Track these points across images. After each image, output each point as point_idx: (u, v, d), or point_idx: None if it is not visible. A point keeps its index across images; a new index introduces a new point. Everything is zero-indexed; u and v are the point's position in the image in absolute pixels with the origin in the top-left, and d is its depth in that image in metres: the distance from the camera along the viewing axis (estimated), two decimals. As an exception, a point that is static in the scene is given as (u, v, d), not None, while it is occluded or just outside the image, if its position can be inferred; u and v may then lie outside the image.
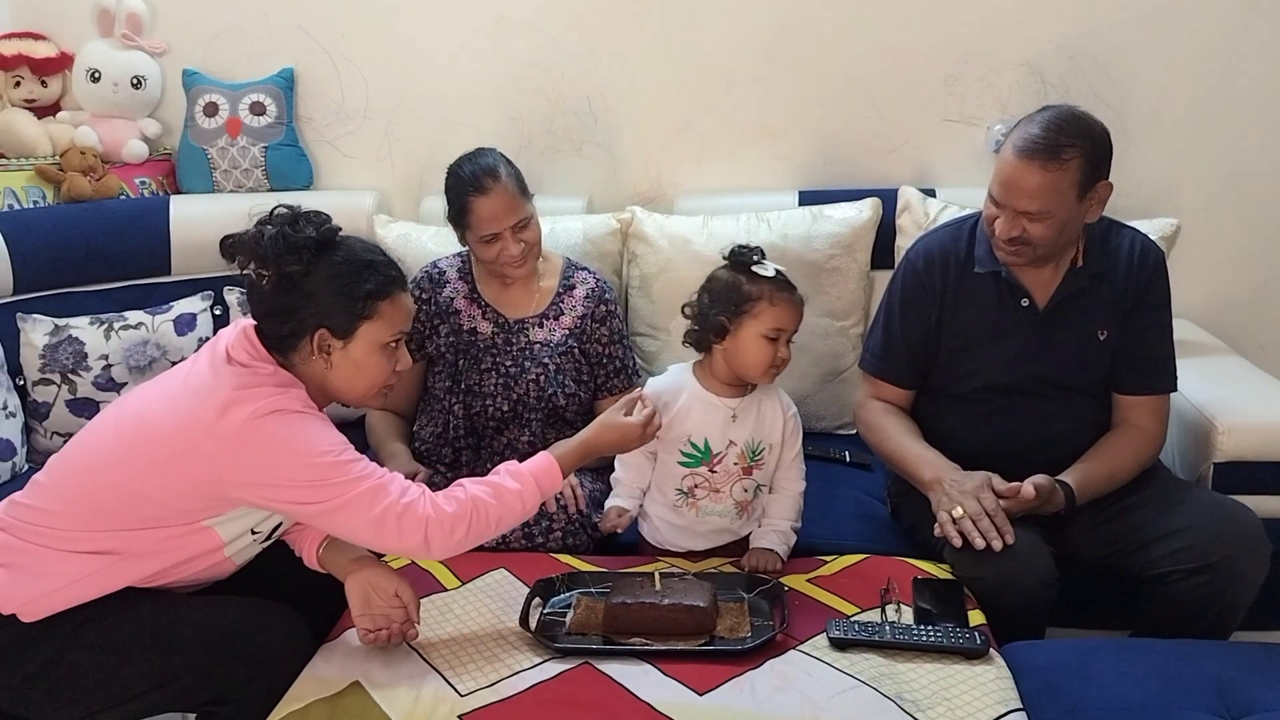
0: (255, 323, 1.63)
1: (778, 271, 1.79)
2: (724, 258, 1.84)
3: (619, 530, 1.88)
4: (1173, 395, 1.97)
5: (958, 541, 1.73)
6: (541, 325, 2.20)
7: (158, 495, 1.54)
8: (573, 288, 2.24)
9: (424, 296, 2.22)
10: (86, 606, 1.56)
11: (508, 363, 2.16)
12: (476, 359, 2.16)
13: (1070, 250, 1.91)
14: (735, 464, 1.84)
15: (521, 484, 1.62)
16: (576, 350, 2.21)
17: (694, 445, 1.83)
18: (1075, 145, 1.77)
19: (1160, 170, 2.68)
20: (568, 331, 2.20)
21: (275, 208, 1.61)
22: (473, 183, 2.08)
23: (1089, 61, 2.66)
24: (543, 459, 1.67)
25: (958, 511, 1.76)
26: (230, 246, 1.60)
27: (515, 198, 2.09)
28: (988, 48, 2.68)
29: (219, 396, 1.52)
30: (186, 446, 1.52)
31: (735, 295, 1.78)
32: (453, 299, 2.20)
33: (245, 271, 1.60)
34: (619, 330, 2.26)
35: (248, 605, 1.63)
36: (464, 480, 1.63)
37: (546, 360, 2.16)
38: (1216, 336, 2.58)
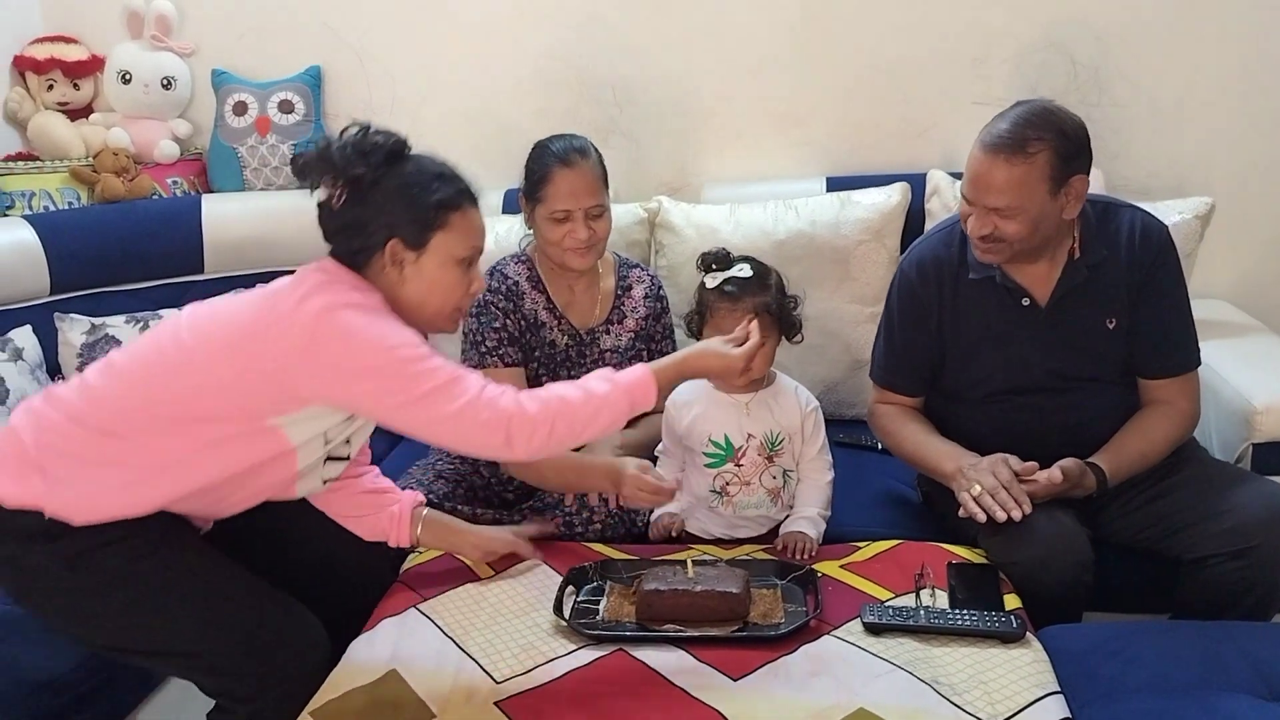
0: (329, 247, 1.62)
1: (727, 280, 1.83)
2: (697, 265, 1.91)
3: (673, 534, 1.91)
4: (1209, 376, 1.94)
5: (981, 517, 1.72)
6: (609, 331, 2.18)
7: (223, 385, 1.50)
8: (630, 287, 2.22)
9: (509, 307, 2.10)
10: (145, 544, 1.55)
11: (582, 375, 2.14)
12: (554, 373, 2.13)
13: (1065, 241, 1.87)
14: (758, 455, 1.87)
15: (611, 391, 1.56)
16: (645, 353, 2.20)
17: (715, 444, 1.87)
18: (1042, 139, 1.73)
19: (1193, 149, 2.65)
20: (633, 335, 2.19)
21: (345, 127, 1.61)
22: (561, 156, 2.04)
23: (1117, 41, 2.63)
24: (639, 370, 1.60)
25: (975, 489, 1.75)
26: (302, 163, 1.59)
27: (597, 183, 2.05)
28: (1015, 29, 2.66)
29: (297, 290, 1.51)
30: (259, 332, 1.49)
31: (697, 303, 1.90)
32: (535, 311, 2.13)
33: (315, 192, 1.60)
34: (670, 325, 2.26)
35: (289, 617, 1.61)
36: (554, 384, 1.58)
37: (617, 368, 2.14)
38: (1252, 316, 2.54)
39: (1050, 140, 1.73)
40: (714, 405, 1.89)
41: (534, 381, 2.12)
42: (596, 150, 2.10)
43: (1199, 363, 1.92)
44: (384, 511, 1.80)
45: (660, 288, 2.26)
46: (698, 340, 1.84)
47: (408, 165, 1.60)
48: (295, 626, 1.61)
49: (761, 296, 1.82)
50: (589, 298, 2.18)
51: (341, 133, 1.59)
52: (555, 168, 2.03)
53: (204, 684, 1.61)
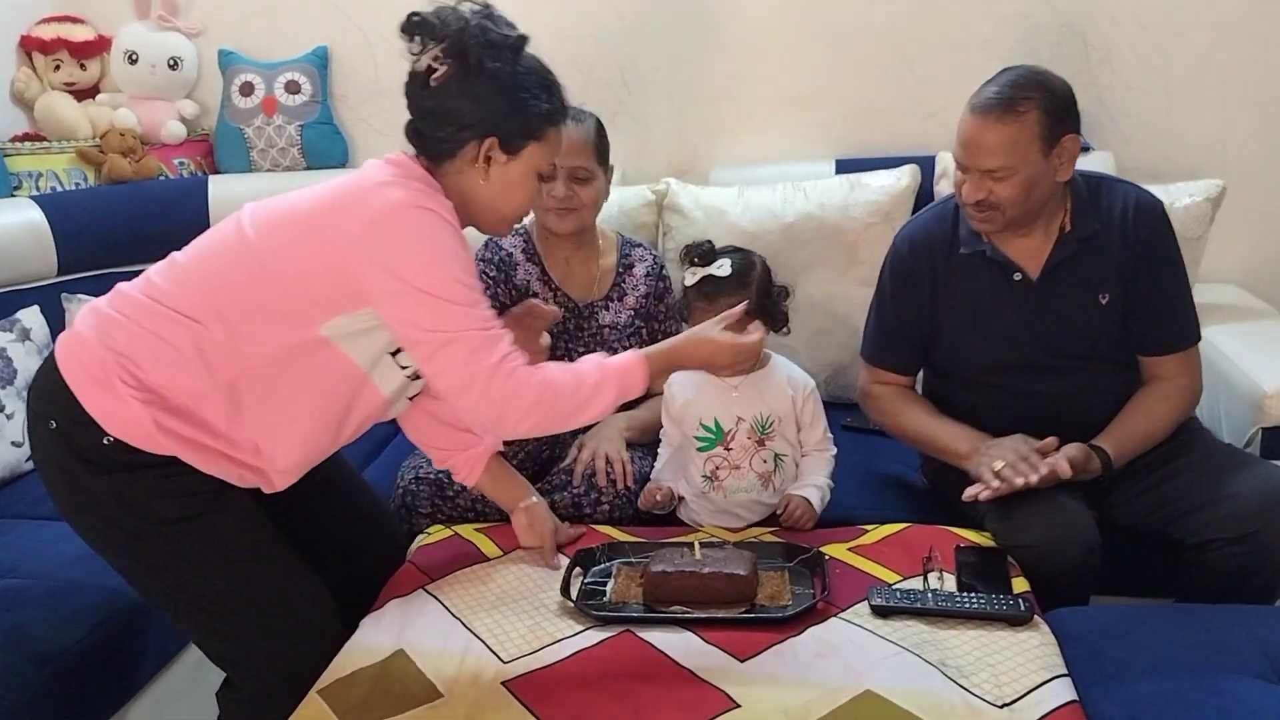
0: (411, 123, 1.57)
1: (705, 279, 1.80)
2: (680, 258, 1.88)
3: (659, 504, 1.90)
4: (1220, 361, 1.93)
5: (1000, 486, 1.72)
6: (608, 308, 2.18)
7: (285, 269, 1.47)
8: (632, 266, 2.22)
9: (500, 278, 2.13)
10: (201, 501, 1.52)
11: (580, 349, 2.14)
12: (551, 345, 2.14)
13: (1057, 214, 1.87)
14: (748, 438, 1.87)
15: (602, 380, 1.55)
16: (644, 331, 2.20)
17: (705, 427, 1.87)
18: (1031, 98, 1.75)
19: (1206, 131, 2.64)
20: (633, 312, 2.19)
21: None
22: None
23: (1131, 21, 2.61)
24: (631, 356, 1.59)
25: (997, 465, 1.75)
26: (418, 24, 1.51)
27: (585, 146, 2.03)
28: (1027, 9, 2.64)
29: (379, 175, 1.49)
30: (331, 213, 1.46)
31: (683, 295, 1.88)
32: (528, 282, 2.15)
33: (415, 61, 1.53)
34: (674, 305, 2.24)
35: (305, 597, 1.61)
36: (547, 364, 1.56)
37: (615, 344, 2.15)
38: (1263, 300, 2.53)
39: (1039, 99, 1.75)
40: (704, 388, 1.89)
41: None
42: (599, 125, 2.09)
43: (1199, 338, 1.91)
44: (466, 452, 1.78)
45: (663, 268, 2.26)
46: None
47: (520, 65, 1.54)
48: (310, 608, 1.61)
49: (738, 296, 1.78)
50: (585, 272, 2.19)
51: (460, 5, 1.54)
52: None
53: (213, 650, 1.61)
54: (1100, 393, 1.90)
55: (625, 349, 2.11)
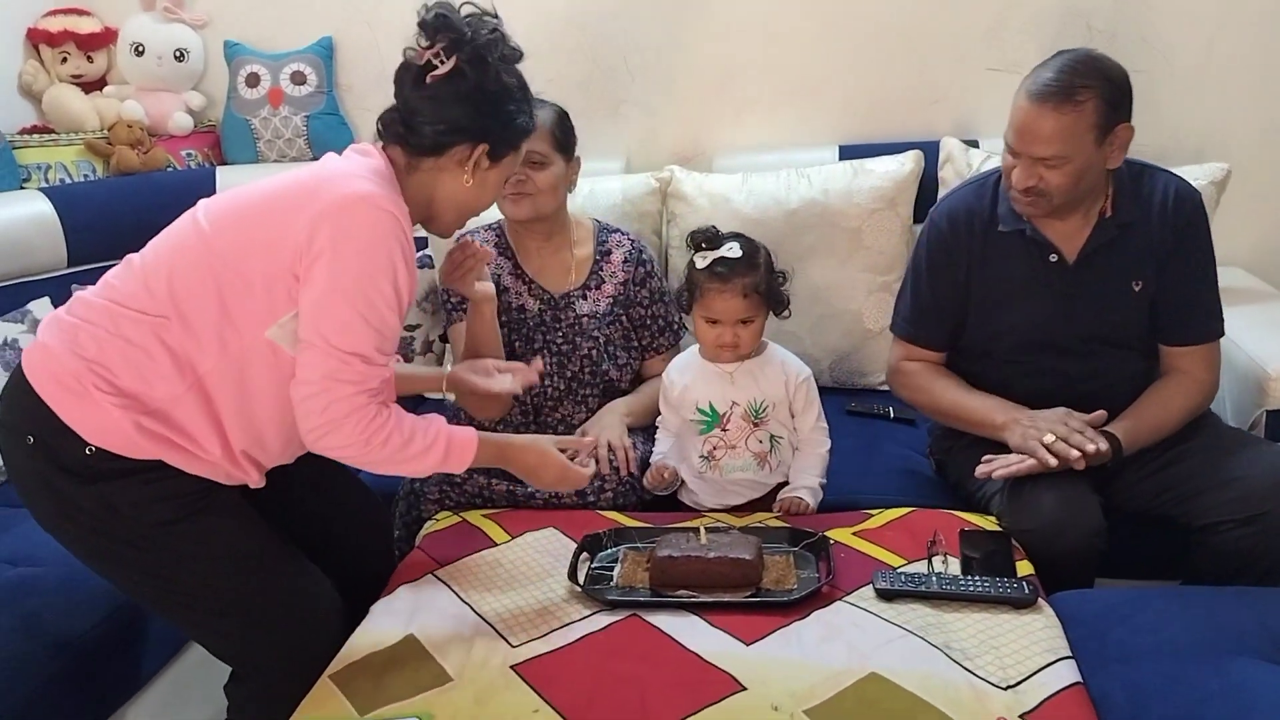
0: (397, 112, 1.57)
1: (716, 260, 1.83)
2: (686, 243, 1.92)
3: (664, 480, 1.91)
4: (1224, 343, 1.93)
5: (1052, 461, 1.72)
6: (585, 297, 2.17)
7: (239, 260, 1.47)
8: (609, 252, 2.21)
9: None
10: (188, 502, 1.52)
11: (559, 339, 2.14)
12: (528, 338, 2.14)
13: (1098, 200, 1.86)
14: (743, 420, 1.90)
15: (432, 444, 1.55)
16: (624, 318, 2.19)
17: (701, 411, 1.91)
18: (1090, 86, 1.72)
19: (1211, 114, 2.63)
20: (612, 300, 2.18)
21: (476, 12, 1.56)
22: None
23: (1136, 4, 2.60)
24: (469, 433, 1.60)
25: (1049, 438, 1.74)
26: (443, 24, 1.52)
27: (544, 133, 2.02)
28: (1031, -6, 2.64)
29: (346, 166, 1.52)
30: (292, 197, 1.48)
31: (686, 280, 1.91)
32: (499, 276, 2.15)
33: (409, 50, 1.55)
34: (659, 289, 2.24)
35: (301, 591, 1.61)
36: (397, 412, 1.53)
37: (596, 334, 2.14)
38: (1268, 283, 2.53)
39: (1097, 87, 1.73)
40: (701, 374, 1.92)
41: (508, 349, 2.12)
42: (562, 116, 2.09)
43: (1222, 333, 1.91)
44: None
45: (643, 251, 2.24)
46: (688, 313, 1.91)
47: (514, 76, 1.59)
48: (310, 599, 1.62)
49: (750, 276, 1.83)
50: (559, 262, 2.18)
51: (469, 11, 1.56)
52: None
53: (215, 647, 1.62)
54: (1122, 379, 1.90)
55: (606, 338, 2.13)
